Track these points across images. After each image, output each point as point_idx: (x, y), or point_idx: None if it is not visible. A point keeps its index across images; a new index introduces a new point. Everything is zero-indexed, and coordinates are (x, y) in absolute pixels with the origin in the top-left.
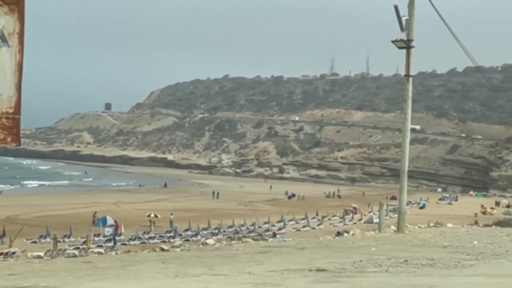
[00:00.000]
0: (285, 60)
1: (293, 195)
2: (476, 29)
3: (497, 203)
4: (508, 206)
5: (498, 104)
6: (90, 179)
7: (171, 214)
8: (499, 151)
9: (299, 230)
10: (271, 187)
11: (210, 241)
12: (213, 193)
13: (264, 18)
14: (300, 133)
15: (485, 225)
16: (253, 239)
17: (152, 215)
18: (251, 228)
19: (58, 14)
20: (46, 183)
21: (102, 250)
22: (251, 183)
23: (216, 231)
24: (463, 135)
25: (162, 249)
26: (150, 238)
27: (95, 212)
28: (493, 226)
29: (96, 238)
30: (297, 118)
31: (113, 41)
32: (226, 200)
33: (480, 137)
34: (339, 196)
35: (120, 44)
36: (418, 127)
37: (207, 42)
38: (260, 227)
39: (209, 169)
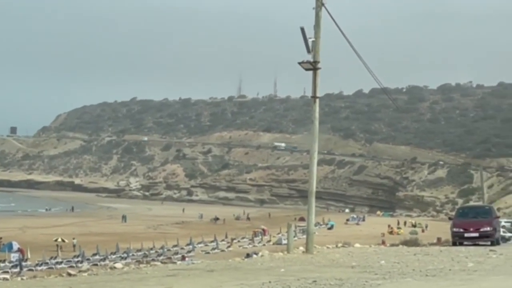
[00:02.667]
0: (193, 83)
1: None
2: (382, 51)
3: (404, 223)
4: (414, 226)
5: (404, 125)
6: None
7: (73, 239)
8: (405, 171)
9: (208, 253)
10: (183, 210)
11: (119, 265)
12: (122, 216)
13: (171, 40)
14: (209, 156)
15: (392, 245)
16: (161, 262)
17: (59, 239)
18: (160, 251)
19: None
20: None
21: (7, 276)
22: (159, 206)
23: (125, 255)
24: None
25: (69, 274)
26: (57, 263)
27: (0, 238)
28: (400, 246)
29: (2, 264)
30: (283, 145)
31: (17, 64)
32: (134, 223)
33: (386, 157)
34: (248, 218)
35: (25, 67)
36: (283, 144)
37: (114, 64)
38: (169, 250)
39: (117, 192)
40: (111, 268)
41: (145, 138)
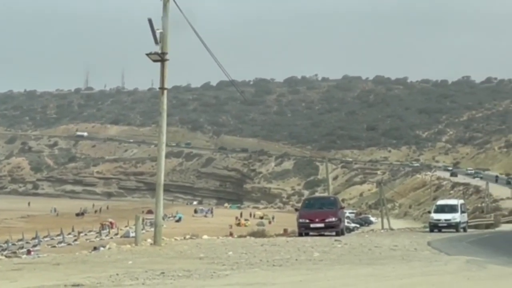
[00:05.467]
0: (38, 74)
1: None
2: (229, 43)
3: (250, 214)
4: (261, 217)
5: (251, 117)
6: None
7: None
8: (252, 163)
9: (55, 247)
10: (29, 203)
11: None
12: None
13: (15, 30)
14: (55, 148)
15: (240, 236)
16: (6, 257)
17: None
18: (4, 245)
19: None
20: None
21: None
22: (3, 200)
23: None
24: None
25: None
26: None
27: None
28: (247, 237)
29: None
30: (85, 134)
31: None
32: None
33: (234, 149)
34: (96, 211)
35: None
36: (85, 133)
37: None
38: (14, 244)
39: None
40: None
41: None
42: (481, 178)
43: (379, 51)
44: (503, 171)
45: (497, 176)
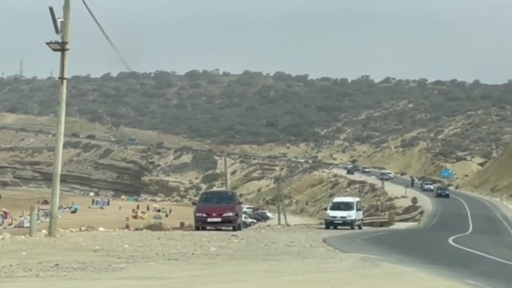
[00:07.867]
0: None
1: None
2: (131, 35)
3: (147, 207)
4: (158, 210)
5: (151, 109)
6: None
7: None
8: (151, 156)
9: None
10: None
11: None
12: None
13: None
14: None
15: (136, 229)
16: None
17: None
18: None
19: None
20: None
21: None
22: None
23: None
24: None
25: None
26: None
27: None
28: (144, 230)
29: None
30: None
31: None
32: None
33: (133, 142)
34: None
35: None
36: None
37: None
38: None
39: None
40: None
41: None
42: (387, 179)
43: (280, 48)
44: (399, 170)
45: (413, 180)
